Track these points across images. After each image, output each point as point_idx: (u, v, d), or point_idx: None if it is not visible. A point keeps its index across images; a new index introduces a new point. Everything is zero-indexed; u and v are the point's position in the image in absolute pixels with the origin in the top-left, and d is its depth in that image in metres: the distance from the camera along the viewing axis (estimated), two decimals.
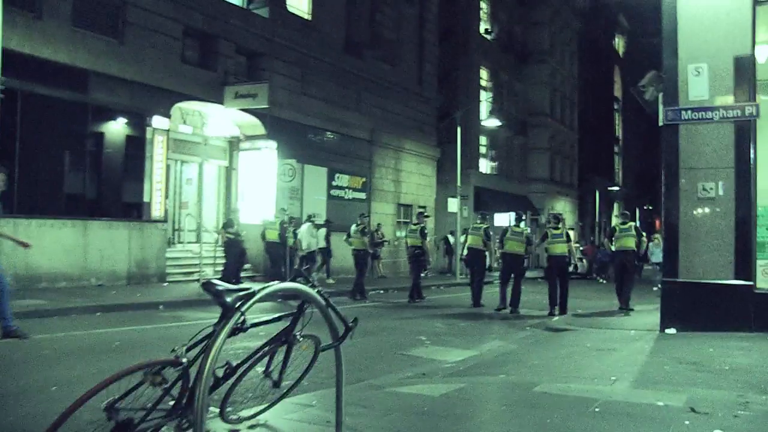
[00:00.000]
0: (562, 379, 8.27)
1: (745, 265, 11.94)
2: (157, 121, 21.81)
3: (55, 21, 19.07)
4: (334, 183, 30.61)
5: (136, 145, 21.57)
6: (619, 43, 77.72)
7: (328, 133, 30.07)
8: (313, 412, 6.12)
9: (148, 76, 21.44)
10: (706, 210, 12.26)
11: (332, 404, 5.37)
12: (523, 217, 21.32)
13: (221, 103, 24.10)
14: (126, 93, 20.96)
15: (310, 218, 24.45)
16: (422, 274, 21.00)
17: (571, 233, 18.49)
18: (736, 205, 12.01)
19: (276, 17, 26.82)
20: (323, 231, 25.44)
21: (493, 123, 39.67)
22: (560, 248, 17.39)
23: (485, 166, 46.66)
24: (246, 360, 5.17)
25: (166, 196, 22.82)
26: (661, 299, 12.87)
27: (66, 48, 19.23)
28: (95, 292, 17.87)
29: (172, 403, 4.50)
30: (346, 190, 31.45)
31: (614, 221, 54.49)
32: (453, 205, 35.60)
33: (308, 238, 23.76)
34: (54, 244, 18.54)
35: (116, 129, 21.16)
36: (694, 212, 12.33)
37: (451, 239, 35.72)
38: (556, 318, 16.14)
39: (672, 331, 12.20)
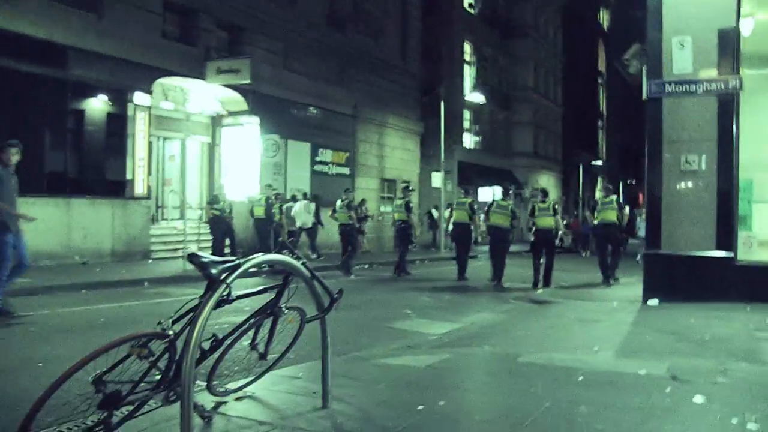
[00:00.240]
0: (546, 349, 8.32)
1: (726, 237, 12.03)
2: (139, 98, 21.65)
3: None
4: (317, 158, 30.54)
5: (118, 122, 21.43)
6: (604, 17, 77.70)
7: (311, 108, 29.96)
8: (299, 383, 6.14)
9: (128, 52, 21.20)
10: (689, 183, 12.32)
11: (318, 376, 5.42)
12: (510, 192, 21.40)
13: (203, 78, 23.95)
14: (106, 69, 20.76)
15: (305, 195, 24.81)
16: (409, 247, 21.00)
17: (558, 207, 18.55)
18: (718, 177, 12.07)
19: None
20: (312, 206, 25.49)
21: (476, 97, 39.74)
22: (547, 222, 17.44)
23: (469, 140, 46.71)
24: (232, 332, 5.19)
25: (149, 173, 22.70)
26: (644, 271, 12.98)
27: (44, 23, 18.97)
28: (79, 270, 17.83)
29: (158, 375, 4.53)
30: (330, 165, 31.40)
31: (597, 195, 54.71)
32: (437, 179, 35.62)
33: (305, 215, 24.19)
34: (37, 223, 18.22)
35: (97, 106, 21.03)
36: (677, 185, 12.39)
37: (435, 214, 35.73)
38: (540, 291, 16.22)
39: (654, 302, 12.28)
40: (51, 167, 19.70)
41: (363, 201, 27.84)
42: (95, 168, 21.04)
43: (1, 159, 10.97)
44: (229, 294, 4.48)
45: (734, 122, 11.99)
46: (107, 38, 20.64)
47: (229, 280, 4.31)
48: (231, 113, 26.13)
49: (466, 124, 46.14)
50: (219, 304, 4.38)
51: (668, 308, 11.69)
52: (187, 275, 16.86)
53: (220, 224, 21.11)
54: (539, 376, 6.54)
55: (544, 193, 18.54)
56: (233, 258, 4.67)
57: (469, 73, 45.99)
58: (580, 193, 62.82)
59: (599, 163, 68.35)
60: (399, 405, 5.50)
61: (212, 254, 5.33)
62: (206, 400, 5.28)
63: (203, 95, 25.23)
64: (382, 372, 6.85)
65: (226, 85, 24.43)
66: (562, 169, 60.76)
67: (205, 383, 5.34)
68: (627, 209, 19.45)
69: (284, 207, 22.69)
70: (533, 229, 17.75)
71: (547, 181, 54.45)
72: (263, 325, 5.46)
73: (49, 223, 18.43)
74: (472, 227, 19.25)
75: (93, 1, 20.65)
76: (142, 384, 4.46)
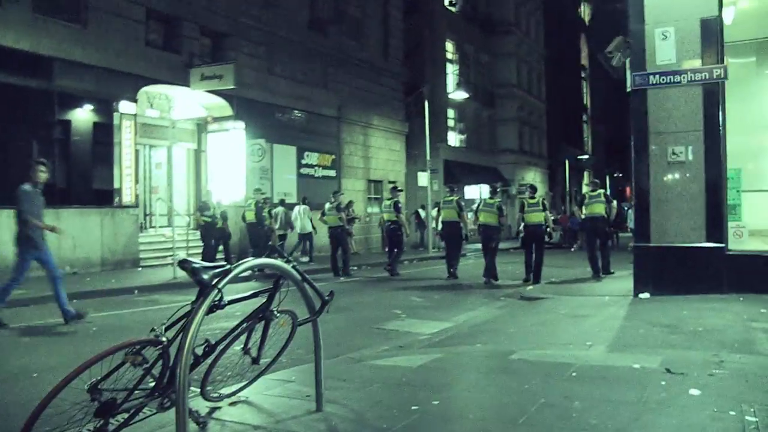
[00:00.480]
0: (539, 346, 8.34)
1: (716, 228, 12.04)
2: (124, 106, 21.64)
3: (16, 8, 18.79)
4: (303, 161, 30.47)
5: (104, 132, 21.38)
6: (585, 11, 77.88)
7: (296, 111, 29.92)
8: (292, 387, 6.14)
9: (113, 61, 21.20)
10: (677, 174, 12.34)
11: (311, 379, 5.42)
12: (498, 190, 21.41)
13: (187, 85, 23.91)
14: (91, 79, 20.74)
15: (305, 200, 25.35)
16: (399, 248, 20.97)
17: (546, 203, 18.59)
18: (706, 168, 12.08)
19: None
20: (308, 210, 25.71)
21: (460, 95, 39.71)
22: (536, 217, 17.48)
23: (454, 138, 46.67)
24: (225, 337, 5.20)
25: (136, 182, 22.69)
26: (634, 264, 12.96)
27: (28, 35, 18.96)
28: (70, 280, 17.68)
29: (153, 383, 4.53)
30: (316, 168, 31.35)
31: (584, 189, 54.80)
32: (423, 179, 35.62)
33: (304, 219, 24.58)
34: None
35: (83, 116, 20.98)
36: (665, 177, 12.41)
37: (422, 213, 35.76)
38: (530, 287, 16.23)
39: (645, 295, 12.30)
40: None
41: (350, 203, 27.83)
42: (83, 177, 20.95)
43: (30, 177, 11.23)
44: (221, 299, 4.48)
45: (720, 112, 11.99)
46: (92, 48, 20.62)
47: (220, 285, 4.32)
48: (216, 119, 26.05)
49: (451, 123, 46.10)
50: (211, 310, 4.38)
51: (660, 301, 11.70)
52: (176, 282, 16.85)
53: (211, 231, 21.09)
54: (532, 372, 6.54)
55: (533, 189, 18.58)
56: (224, 263, 4.67)
57: (452, 72, 45.96)
58: (567, 187, 62.92)
59: (585, 157, 68.45)
60: (393, 406, 5.50)
61: (203, 260, 5.33)
62: (201, 405, 5.28)
63: (188, 102, 25.17)
64: (375, 373, 6.85)
65: (210, 91, 24.39)
66: (548, 165, 60.81)
67: (198, 389, 5.33)
68: (615, 203, 19.49)
69: (273, 212, 22.67)
70: (522, 224, 17.80)
71: (533, 176, 54.50)
72: (255, 329, 5.47)
73: None
74: (461, 224, 19.27)
75: (77, 12, 20.63)
76: (136, 391, 4.46)
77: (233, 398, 5.61)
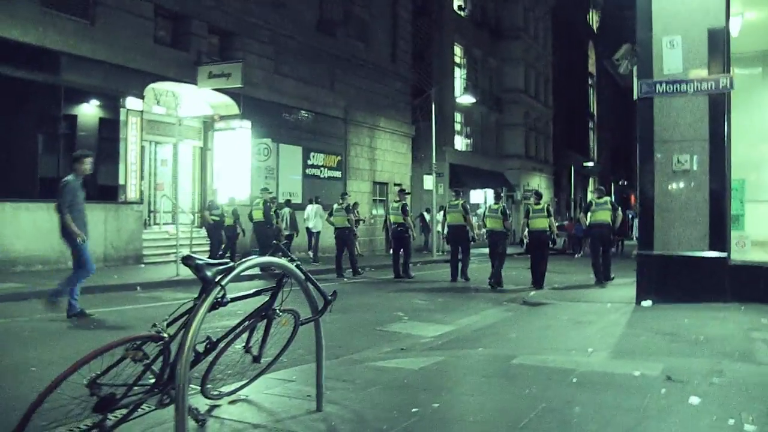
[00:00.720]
0: (540, 351, 8.33)
1: (719, 237, 12.01)
2: (131, 103, 21.69)
3: (24, 2, 18.82)
4: (309, 162, 30.50)
5: (110, 127, 21.43)
6: (593, 18, 77.80)
7: (303, 111, 29.96)
8: (293, 386, 6.13)
9: (120, 57, 21.23)
10: (681, 183, 12.31)
11: (312, 379, 5.42)
12: (501, 195, 21.46)
13: (195, 83, 23.96)
14: (99, 74, 20.77)
15: (317, 200, 25.78)
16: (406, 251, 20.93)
17: (551, 209, 18.61)
18: (710, 177, 12.05)
19: None
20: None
21: (467, 100, 39.77)
22: (541, 223, 17.51)
23: (460, 143, 46.70)
24: (226, 335, 5.19)
25: (141, 178, 22.74)
26: (637, 272, 12.93)
27: (36, 29, 18.98)
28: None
29: (153, 379, 4.52)
30: (322, 168, 31.38)
31: (590, 196, 54.75)
32: (428, 182, 35.60)
33: (317, 219, 24.96)
34: (30, 228, 18.43)
35: (89, 111, 21.04)
36: (669, 185, 12.38)
37: (427, 216, 35.76)
38: (533, 292, 16.21)
39: (648, 303, 12.27)
40: (44, 172, 19.58)
41: (356, 204, 27.86)
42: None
43: (76, 169, 11.09)
44: (223, 296, 4.47)
45: (726, 122, 11.98)
46: (99, 44, 20.64)
47: (223, 282, 4.31)
48: (223, 117, 26.10)
49: (458, 127, 46.13)
50: (213, 307, 4.37)
51: (662, 309, 11.68)
52: (179, 280, 16.85)
53: (218, 230, 21.14)
54: (533, 377, 6.53)
55: (538, 195, 18.58)
56: (228, 260, 4.67)
57: (459, 76, 45.98)
58: (572, 194, 62.88)
59: (590, 164, 68.39)
60: (393, 407, 5.49)
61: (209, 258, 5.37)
62: (200, 403, 5.27)
63: (195, 100, 25.22)
64: (376, 375, 6.84)
65: (217, 90, 24.44)
66: (554, 171, 60.78)
67: (198, 386, 5.33)
68: (620, 210, 19.46)
69: (280, 212, 22.72)
70: (527, 230, 17.81)
71: (538, 182, 54.49)
72: (257, 328, 5.46)
73: (41, 228, 18.34)
74: (467, 228, 19.30)
75: (85, 7, 20.67)
76: (136, 387, 4.44)
77: (233, 396, 5.59)
